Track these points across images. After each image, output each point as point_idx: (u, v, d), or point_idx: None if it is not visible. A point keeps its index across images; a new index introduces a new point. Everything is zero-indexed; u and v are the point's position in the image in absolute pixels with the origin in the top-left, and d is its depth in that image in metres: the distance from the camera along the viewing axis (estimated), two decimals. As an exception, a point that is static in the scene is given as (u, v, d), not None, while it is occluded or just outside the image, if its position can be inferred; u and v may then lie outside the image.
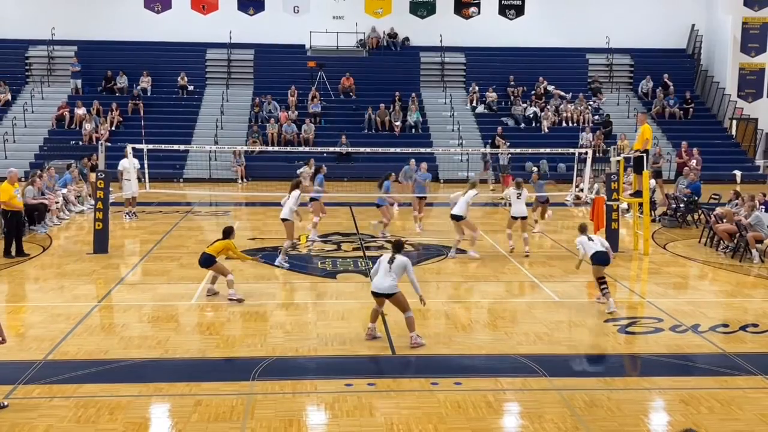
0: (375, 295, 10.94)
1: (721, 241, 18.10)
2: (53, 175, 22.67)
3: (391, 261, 10.83)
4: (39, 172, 21.81)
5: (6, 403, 8.65)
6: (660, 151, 28.77)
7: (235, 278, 13.51)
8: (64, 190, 22.61)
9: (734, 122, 38.15)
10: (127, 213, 21.72)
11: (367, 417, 8.53)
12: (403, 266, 10.87)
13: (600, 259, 12.89)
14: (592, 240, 13.17)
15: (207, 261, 13.26)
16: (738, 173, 33.13)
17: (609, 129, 35.08)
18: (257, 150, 31.56)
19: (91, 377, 9.58)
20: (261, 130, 33.53)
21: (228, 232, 13.56)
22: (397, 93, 36.14)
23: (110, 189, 17.99)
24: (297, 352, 10.66)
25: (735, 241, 17.50)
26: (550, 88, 37.89)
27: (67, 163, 25.72)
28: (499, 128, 34.10)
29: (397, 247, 11.19)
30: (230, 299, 13.06)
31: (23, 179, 22.11)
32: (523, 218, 17.45)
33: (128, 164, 21.34)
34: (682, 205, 21.69)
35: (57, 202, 21.16)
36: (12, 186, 16.84)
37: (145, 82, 36.89)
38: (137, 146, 20.81)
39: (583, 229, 13.47)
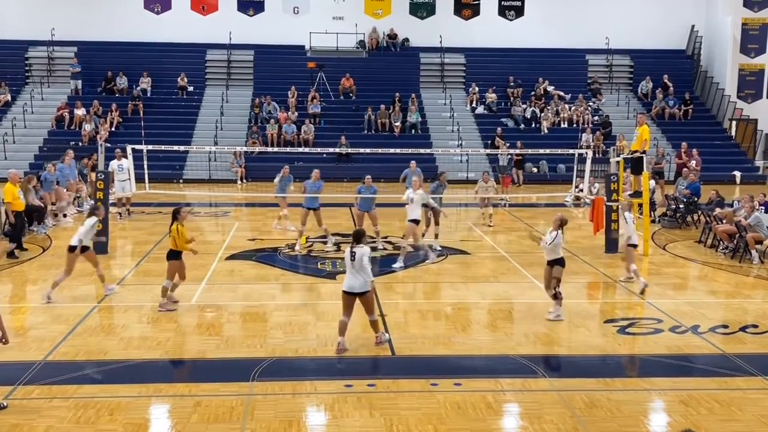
0: (346, 294, 10.56)
1: (721, 242, 18.11)
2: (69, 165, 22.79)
3: (352, 257, 10.47)
4: (39, 172, 21.90)
5: (5, 404, 8.65)
6: (662, 151, 28.70)
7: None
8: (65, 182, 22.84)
9: (734, 123, 38.16)
10: (119, 212, 21.91)
11: (367, 418, 8.53)
12: (363, 256, 10.48)
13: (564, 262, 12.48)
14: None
15: (168, 254, 12.73)
16: (738, 174, 33.15)
17: (608, 130, 35.10)
18: (257, 151, 31.55)
19: (90, 378, 9.60)
20: (261, 130, 33.52)
21: (175, 214, 12.75)
22: (397, 94, 36.15)
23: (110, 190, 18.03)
24: (296, 352, 10.66)
25: (735, 241, 17.51)
26: (550, 88, 37.90)
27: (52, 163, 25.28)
28: (499, 129, 34.11)
29: (357, 237, 10.75)
30: (159, 309, 12.55)
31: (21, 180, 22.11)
32: (633, 246, 14.55)
33: (126, 164, 21.40)
34: (681, 206, 21.69)
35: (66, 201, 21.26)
36: (15, 186, 17.03)
37: (145, 82, 36.89)
38: (137, 147, 20.78)
39: (561, 224, 12.51)
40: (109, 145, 21.14)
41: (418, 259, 16.67)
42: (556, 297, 12.33)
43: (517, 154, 30.19)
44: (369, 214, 18.26)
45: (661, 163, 27.54)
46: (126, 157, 21.14)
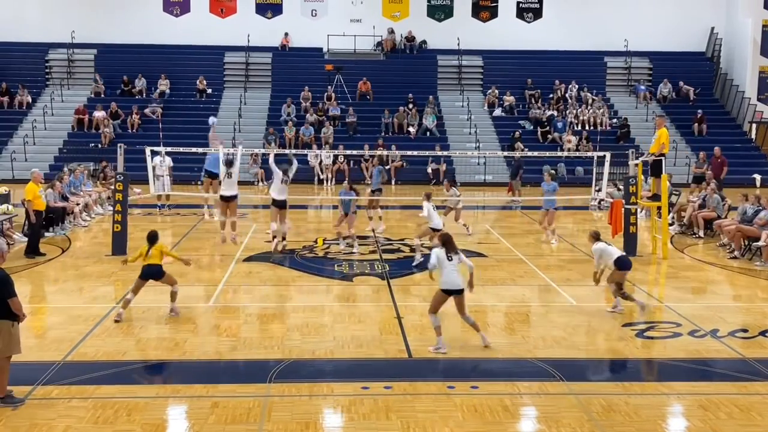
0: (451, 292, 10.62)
1: (730, 245, 18.25)
2: (78, 177, 22.98)
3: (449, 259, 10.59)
4: (60, 174, 22.11)
5: (23, 399, 8.76)
6: (704, 157, 28.09)
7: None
8: (90, 190, 23.13)
9: (754, 126, 37.86)
10: (160, 206, 23.10)
11: (384, 420, 8.53)
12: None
13: (626, 264, 12.72)
14: (611, 245, 13.08)
15: (159, 272, 12.30)
16: (758, 177, 32.85)
17: (626, 131, 34.95)
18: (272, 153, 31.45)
19: (109, 378, 9.64)
20: (278, 133, 33.59)
21: (154, 237, 12.44)
22: (410, 95, 36.14)
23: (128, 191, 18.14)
24: (313, 354, 10.67)
25: (747, 243, 17.66)
26: (574, 89, 37.69)
27: (70, 167, 25.42)
28: (517, 132, 34.03)
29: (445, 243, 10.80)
30: (171, 314, 12.30)
31: (43, 181, 22.33)
32: None
33: (158, 160, 22.02)
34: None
35: (78, 204, 21.33)
36: (37, 186, 17.21)
37: (164, 85, 37.15)
38: (155, 149, 20.90)
39: (597, 236, 13.03)
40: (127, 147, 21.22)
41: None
42: (624, 297, 12.71)
43: (515, 159, 28.90)
44: (347, 216, 18.26)
45: (703, 168, 27.07)
46: (167, 155, 21.86)
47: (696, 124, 36.11)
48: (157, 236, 12.55)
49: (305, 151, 30.33)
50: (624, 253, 13.20)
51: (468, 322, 10.87)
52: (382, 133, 34.56)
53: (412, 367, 10.36)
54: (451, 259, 10.61)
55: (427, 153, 27.27)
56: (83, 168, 24.60)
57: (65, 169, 24.16)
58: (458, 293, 10.63)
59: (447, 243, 10.82)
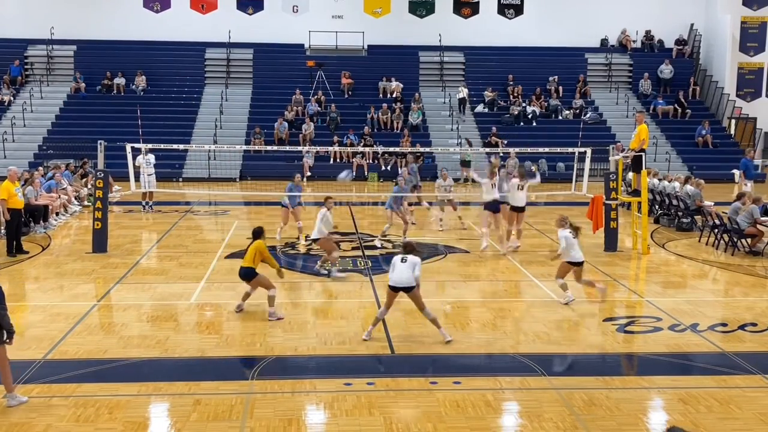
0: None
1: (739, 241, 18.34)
2: (60, 175, 22.89)
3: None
4: (35, 172, 21.92)
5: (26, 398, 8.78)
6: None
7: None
8: (70, 188, 22.90)
9: (733, 122, 38.18)
10: (144, 204, 22.85)
11: (366, 416, 8.54)
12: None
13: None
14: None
15: (248, 274, 12.19)
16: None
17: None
18: (263, 150, 31.33)
19: (90, 377, 9.59)
20: (263, 130, 33.45)
21: (258, 233, 12.52)
22: (394, 82, 35.95)
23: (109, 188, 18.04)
24: (296, 351, 10.66)
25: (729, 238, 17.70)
26: (555, 85, 37.83)
27: (49, 164, 25.45)
28: (494, 128, 34.14)
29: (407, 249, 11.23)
30: (270, 318, 12.00)
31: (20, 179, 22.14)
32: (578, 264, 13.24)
33: (143, 160, 21.91)
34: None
35: (59, 198, 21.20)
36: (13, 184, 16.89)
37: (144, 81, 36.92)
38: (135, 145, 20.74)
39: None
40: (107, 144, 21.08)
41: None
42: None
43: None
44: (293, 210, 18.30)
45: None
46: (150, 151, 21.71)
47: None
48: (260, 233, 12.57)
49: (299, 148, 30.26)
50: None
51: (428, 318, 11.03)
52: (367, 129, 34.49)
53: (395, 363, 10.37)
54: (405, 261, 10.89)
55: (409, 149, 27.29)
56: (63, 165, 24.48)
57: (40, 168, 24.00)
58: (408, 290, 10.83)
59: (406, 247, 11.28)
